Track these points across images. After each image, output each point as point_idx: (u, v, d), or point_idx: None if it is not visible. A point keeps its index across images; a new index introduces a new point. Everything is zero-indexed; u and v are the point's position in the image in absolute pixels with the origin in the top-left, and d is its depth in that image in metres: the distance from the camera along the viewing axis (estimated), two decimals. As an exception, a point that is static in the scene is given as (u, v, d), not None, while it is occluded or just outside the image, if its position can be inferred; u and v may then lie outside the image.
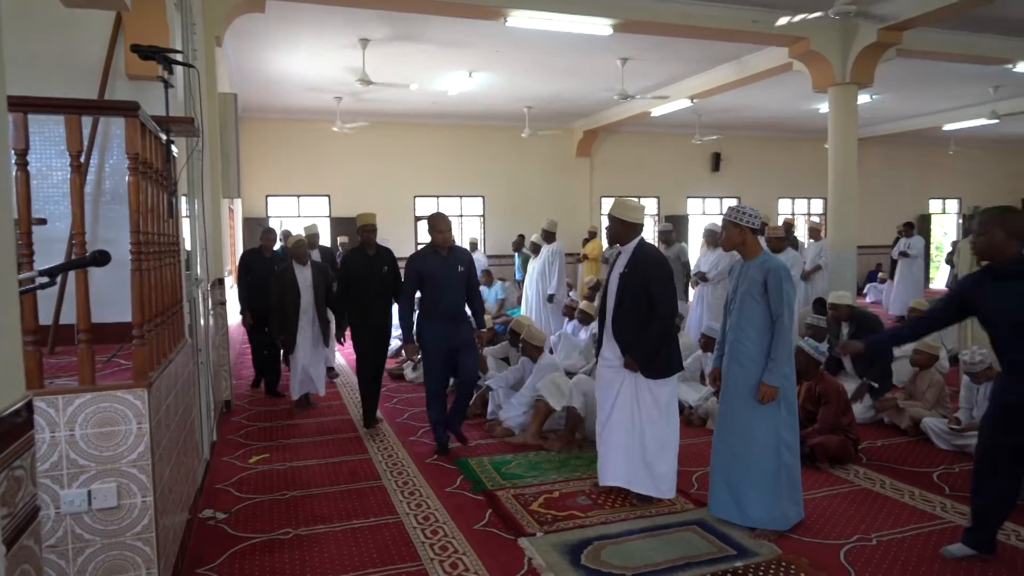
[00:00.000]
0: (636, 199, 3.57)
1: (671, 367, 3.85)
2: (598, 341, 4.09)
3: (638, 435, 3.88)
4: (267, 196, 13.50)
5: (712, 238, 7.92)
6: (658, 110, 12.14)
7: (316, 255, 7.38)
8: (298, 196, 13.73)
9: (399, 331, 5.85)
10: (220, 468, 4.71)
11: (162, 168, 3.10)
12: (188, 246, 4.55)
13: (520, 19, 7.19)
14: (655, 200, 16.40)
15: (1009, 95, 12.61)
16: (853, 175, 8.62)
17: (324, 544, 3.50)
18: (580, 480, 4.35)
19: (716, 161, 16.52)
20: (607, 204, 15.89)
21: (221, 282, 6.32)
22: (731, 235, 3.54)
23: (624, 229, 3.87)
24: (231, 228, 9.53)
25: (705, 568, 3.17)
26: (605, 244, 10.58)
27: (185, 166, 4.24)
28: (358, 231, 5.50)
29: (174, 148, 3.28)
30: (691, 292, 8.58)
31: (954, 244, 16.52)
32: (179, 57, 3.56)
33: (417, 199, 14.40)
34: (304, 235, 6.80)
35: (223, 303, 6.32)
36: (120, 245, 2.75)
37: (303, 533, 3.63)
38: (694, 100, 11.38)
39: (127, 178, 2.64)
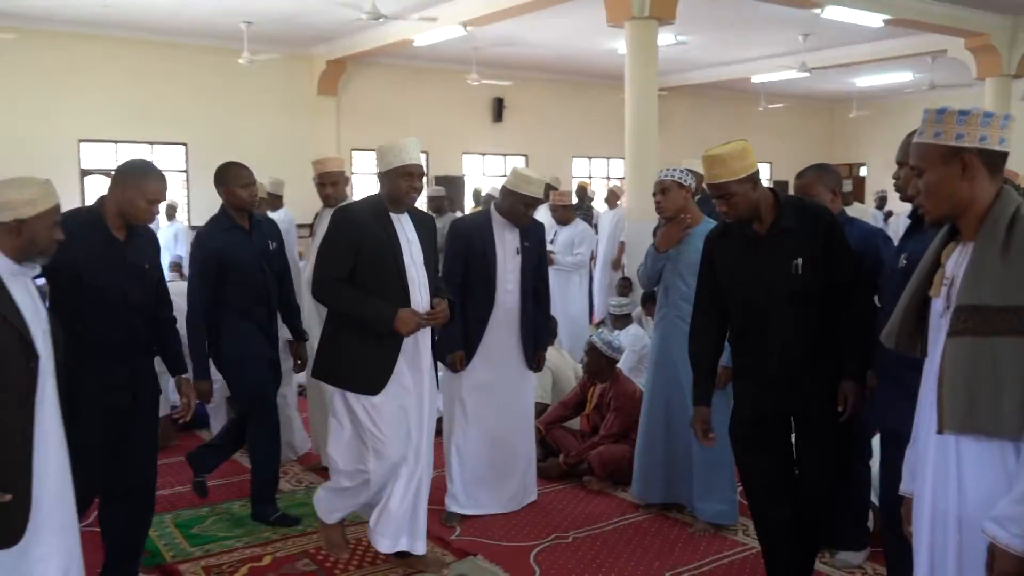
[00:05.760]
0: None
1: None
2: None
3: None
4: None
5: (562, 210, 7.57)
6: (422, 38, 12.15)
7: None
8: None
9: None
10: None
11: None
12: None
13: None
14: (424, 156, 16.46)
15: (818, 45, 14.42)
16: (653, 129, 9.21)
17: None
18: (302, 536, 4.12)
19: (499, 109, 17.01)
20: (361, 159, 15.62)
21: None
22: (675, 197, 3.97)
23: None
24: None
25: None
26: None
27: None
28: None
29: None
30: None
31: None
32: None
33: (83, 145, 13.14)
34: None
35: None
36: None
37: None
38: (468, 27, 11.51)
39: None
